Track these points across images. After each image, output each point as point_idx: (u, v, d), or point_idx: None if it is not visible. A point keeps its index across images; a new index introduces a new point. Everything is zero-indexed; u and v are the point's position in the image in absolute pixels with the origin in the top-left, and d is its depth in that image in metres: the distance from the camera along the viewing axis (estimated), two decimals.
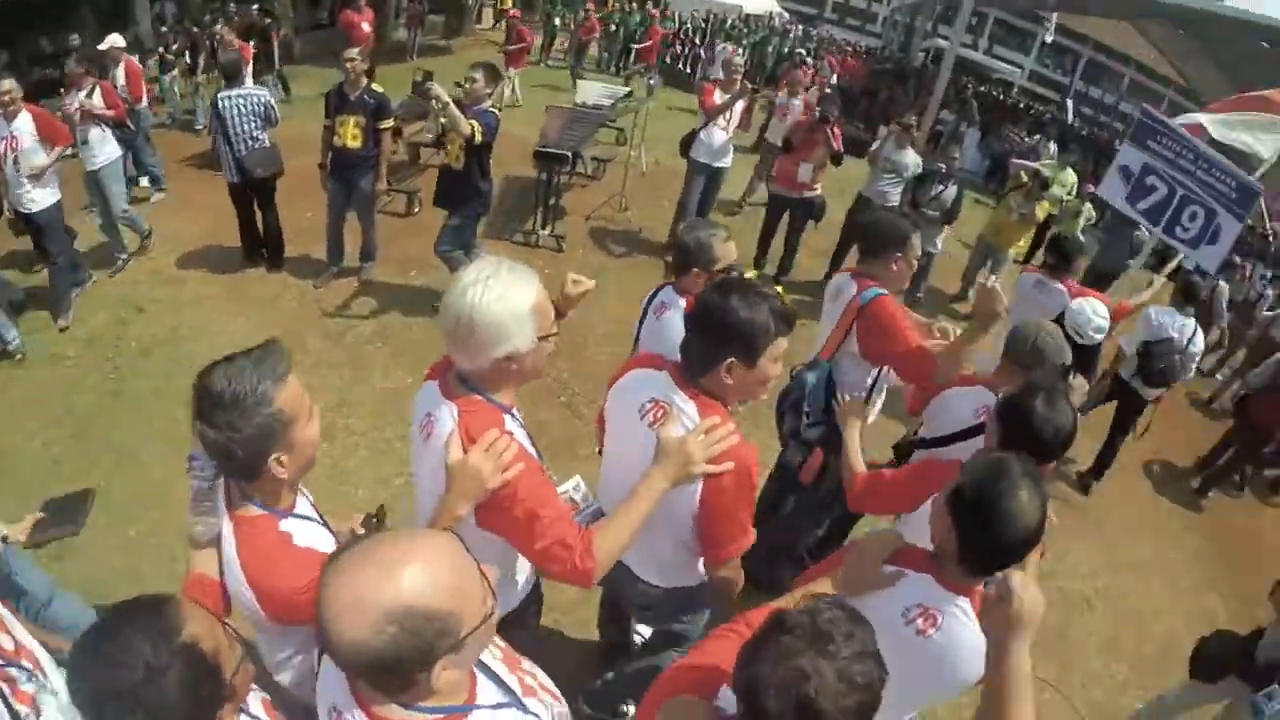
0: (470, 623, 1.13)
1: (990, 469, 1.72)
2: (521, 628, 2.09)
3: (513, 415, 1.88)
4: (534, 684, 1.48)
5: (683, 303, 3.02)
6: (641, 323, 3.21)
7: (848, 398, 2.97)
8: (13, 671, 1.74)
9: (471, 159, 5.34)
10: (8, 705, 1.66)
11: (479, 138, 5.13)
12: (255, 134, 6.09)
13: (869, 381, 3.35)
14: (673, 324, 2.98)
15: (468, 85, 5.32)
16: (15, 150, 5.05)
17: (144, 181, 7.80)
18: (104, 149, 6.01)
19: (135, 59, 7.61)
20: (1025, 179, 8.17)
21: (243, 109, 6.01)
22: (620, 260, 7.59)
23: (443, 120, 5.29)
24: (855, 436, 2.79)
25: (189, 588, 1.71)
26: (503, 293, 1.69)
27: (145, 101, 7.88)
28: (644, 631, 3.46)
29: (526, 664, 1.53)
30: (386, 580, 1.06)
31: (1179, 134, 5.70)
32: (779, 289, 7.09)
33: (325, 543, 1.74)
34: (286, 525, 1.68)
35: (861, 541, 1.94)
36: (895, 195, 7.37)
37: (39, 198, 5.26)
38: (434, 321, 5.65)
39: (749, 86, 7.05)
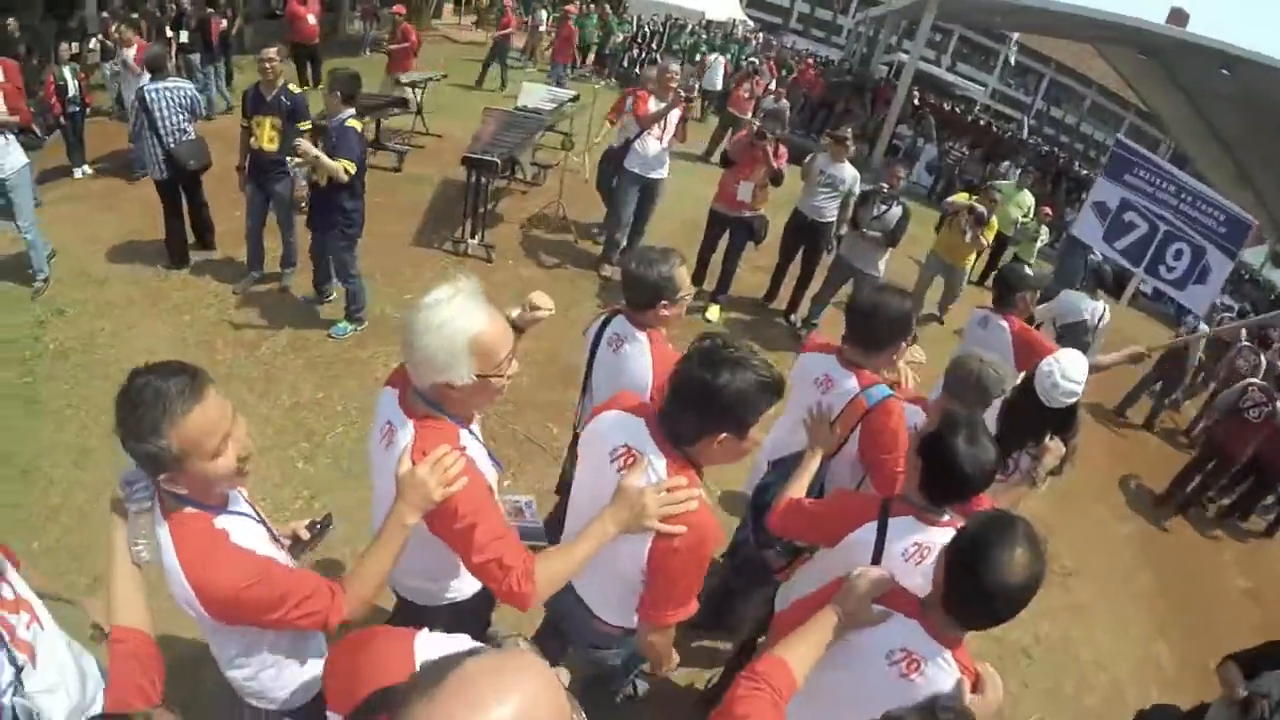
0: None
1: (992, 524, 1.73)
2: (475, 618, 2.33)
3: (470, 431, 1.93)
4: None
5: (642, 337, 2.90)
6: (593, 354, 3.06)
7: (815, 413, 2.81)
8: (12, 620, 1.79)
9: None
10: (8, 651, 1.73)
11: (350, 173, 5.05)
12: (183, 126, 6.06)
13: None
14: (633, 359, 2.90)
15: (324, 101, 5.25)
16: None
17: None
18: (7, 158, 5.45)
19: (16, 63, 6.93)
20: (963, 221, 7.84)
21: (170, 101, 5.97)
22: (551, 272, 7.45)
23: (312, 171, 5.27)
24: (813, 468, 2.72)
25: (119, 651, 1.66)
26: (444, 321, 1.69)
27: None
28: (563, 677, 3.38)
29: None
30: None
31: (1158, 165, 5.30)
32: (716, 308, 7.01)
33: (263, 543, 1.75)
34: (221, 522, 1.67)
35: (854, 577, 1.93)
36: (831, 210, 7.14)
37: None
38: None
39: (682, 95, 6.82)
